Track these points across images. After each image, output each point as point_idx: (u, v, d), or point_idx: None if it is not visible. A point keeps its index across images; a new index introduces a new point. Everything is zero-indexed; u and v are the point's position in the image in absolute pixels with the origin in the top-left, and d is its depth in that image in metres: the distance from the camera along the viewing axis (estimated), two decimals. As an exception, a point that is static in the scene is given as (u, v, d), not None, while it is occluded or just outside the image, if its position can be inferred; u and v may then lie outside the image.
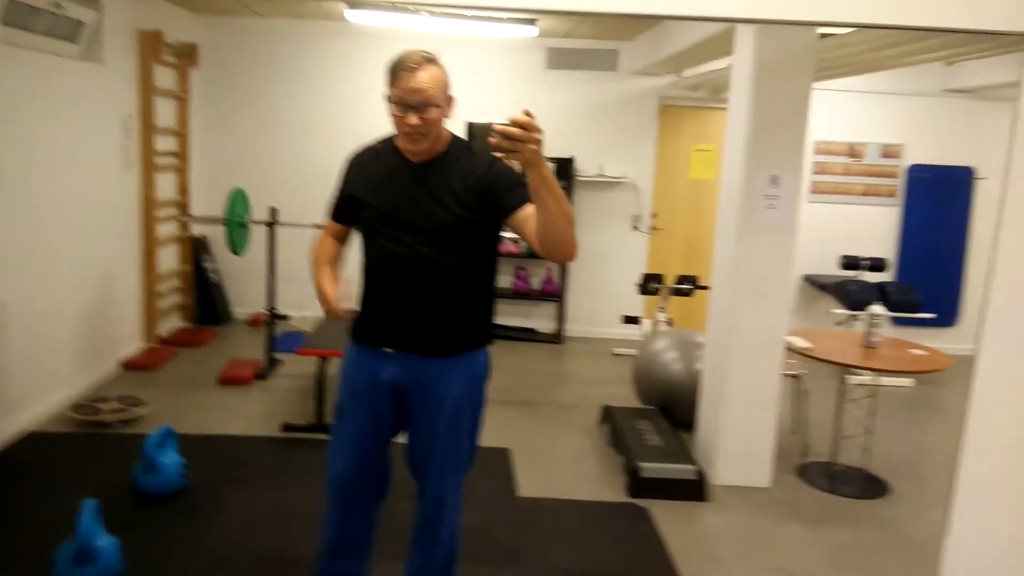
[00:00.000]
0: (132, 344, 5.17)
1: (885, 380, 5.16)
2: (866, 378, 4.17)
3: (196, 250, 6.01)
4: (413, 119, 1.94)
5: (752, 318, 3.68)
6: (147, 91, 5.15)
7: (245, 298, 6.41)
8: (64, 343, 4.31)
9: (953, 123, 6.45)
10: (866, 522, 3.46)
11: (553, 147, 6.39)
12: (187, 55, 5.80)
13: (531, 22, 5.46)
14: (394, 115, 1.98)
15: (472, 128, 1.88)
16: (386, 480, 2.31)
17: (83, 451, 3.73)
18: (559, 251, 1.94)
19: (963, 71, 6.07)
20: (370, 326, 2.17)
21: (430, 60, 1.96)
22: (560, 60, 6.43)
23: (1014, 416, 1.09)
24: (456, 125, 1.90)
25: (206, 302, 6.07)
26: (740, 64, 3.72)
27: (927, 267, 6.51)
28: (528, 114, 1.70)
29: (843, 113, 6.35)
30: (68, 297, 4.33)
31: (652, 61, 5.93)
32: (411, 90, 1.92)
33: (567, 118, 6.48)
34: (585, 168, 6.49)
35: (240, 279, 6.36)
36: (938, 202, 6.49)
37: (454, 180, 2.03)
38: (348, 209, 2.20)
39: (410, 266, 2.06)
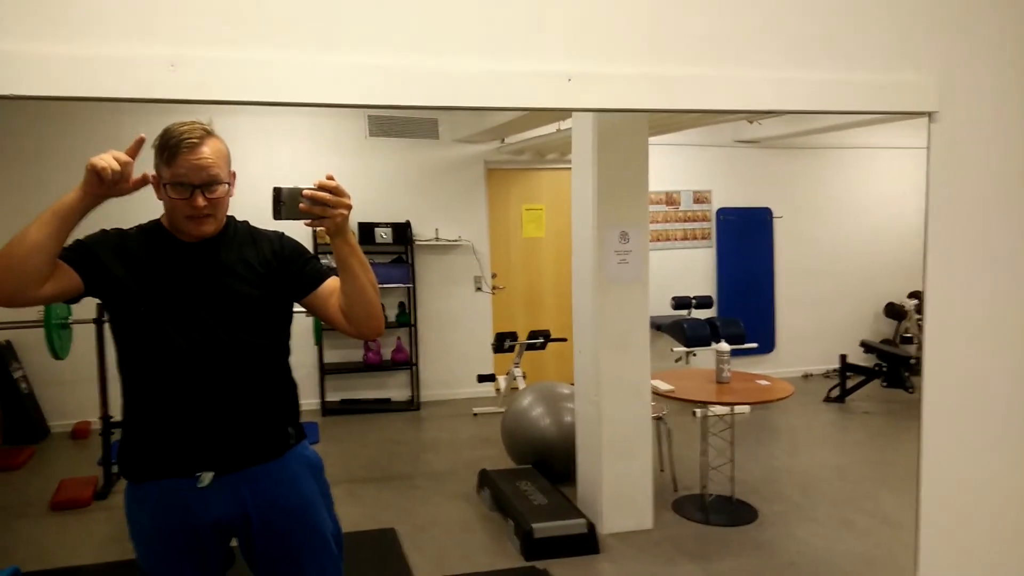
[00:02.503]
0: (-68, 477, 4.45)
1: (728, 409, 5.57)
2: (723, 411, 4.47)
3: (1, 359, 5.32)
4: (200, 200, 1.71)
5: (618, 367, 3.84)
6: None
7: (62, 407, 5.73)
8: None
9: (747, 169, 7.22)
10: (744, 549, 3.67)
11: (388, 213, 6.39)
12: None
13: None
14: (172, 198, 1.72)
15: (279, 193, 1.68)
16: None
17: None
18: (368, 324, 1.80)
19: (749, 126, 6.82)
20: (167, 452, 1.76)
21: (209, 132, 1.74)
22: (382, 128, 6.48)
23: (965, 436, 1.24)
24: (262, 190, 1.74)
25: (17, 416, 5.36)
26: (580, 129, 3.94)
27: (743, 300, 7.15)
28: (330, 178, 1.64)
29: (658, 164, 6.88)
30: None
31: (473, 131, 6.15)
32: (195, 167, 1.69)
33: (396, 184, 6.52)
34: (421, 232, 6.54)
35: (54, 386, 5.68)
36: (745, 241, 7.19)
37: (246, 254, 1.83)
38: (90, 266, 1.73)
39: (220, 357, 1.75)
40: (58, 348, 4.23)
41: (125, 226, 1.86)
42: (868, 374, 6.43)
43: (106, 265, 1.75)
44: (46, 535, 3.91)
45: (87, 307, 4.67)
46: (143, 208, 1.99)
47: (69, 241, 1.69)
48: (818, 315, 7.46)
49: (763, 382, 4.17)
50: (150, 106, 1.67)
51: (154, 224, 1.85)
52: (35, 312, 4.40)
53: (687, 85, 1.45)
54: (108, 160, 1.60)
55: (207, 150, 1.70)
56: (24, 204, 5.63)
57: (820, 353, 7.42)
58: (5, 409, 5.33)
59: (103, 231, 1.83)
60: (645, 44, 1.44)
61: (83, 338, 4.62)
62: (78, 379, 5.27)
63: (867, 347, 6.86)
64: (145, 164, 1.73)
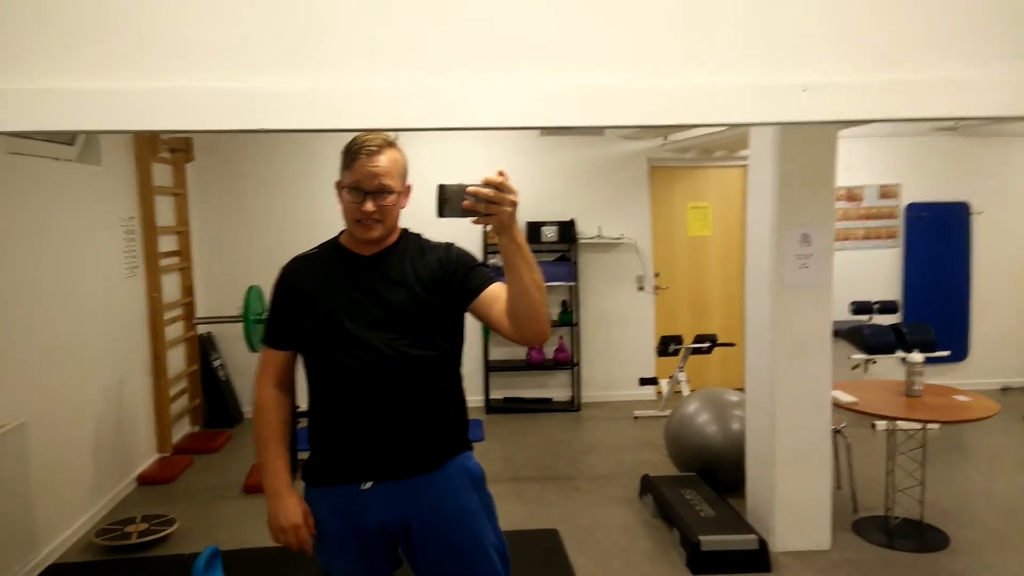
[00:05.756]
0: (146, 456, 4.97)
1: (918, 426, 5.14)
2: (911, 427, 4.12)
3: (203, 349, 5.85)
4: (369, 206, 1.78)
5: (794, 377, 3.63)
6: (147, 190, 5.02)
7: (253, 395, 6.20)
8: (82, 463, 4.12)
9: (944, 160, 6.59)
10: (938, 578, 3.37)
11: (554, 211, 6.41)
12: (183, 150, 5.74)
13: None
14: (346, 202, 1.82)
15: (444, 190, 1.66)
16: None
17: (115, 579, 3.53)
18: (531, 327, 1.73)
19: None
20: (336, 461, 1.86)
21: (390, 144, 1.81)
22: (552, 127, 6.49)
23: None
24: (427, 188, 1.76)
25: (216, 403, 5.87)
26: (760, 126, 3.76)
27: (933, 305, 6.57)
28: (502, 174, 1.59)
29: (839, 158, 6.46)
30: (83, 413, 4.16)
31: (637, 128, 6.02)
32: (368, 175, 1.77)
33: (562, 182, 6.51)
34: (585, 230, 6.51)
35: (248, 376, 6.15)
36: (938, 239, 6.59)
37: (416, 265, 1.85)
38: (294, 327, 1.89)
39: (382, 369, 1.79)
40: (253, 341, 4.58)
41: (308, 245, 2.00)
42: (1084, 390, 5.71)
43: (297, 302, 1.89)
44: (241, 516, 4.25)
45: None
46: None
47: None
48: (1022, 322, 6.72)
49: (961, 397, 3.81)
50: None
51: (332, 242, 1.96)
52: (234, 308, 4.80)
53: (937, 90, 1.31)
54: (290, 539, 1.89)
55: (383, 160, 1.78)
56: (243, 210, 6.16)
57: (1022, 364, 6.69)
58: (206, 395, 5.86)
59: (285, 274, 1.96)
60: (887, 49, 1.31)
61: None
62: (267, 369, 5.69)
63: (1083, 359, 6.10)
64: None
